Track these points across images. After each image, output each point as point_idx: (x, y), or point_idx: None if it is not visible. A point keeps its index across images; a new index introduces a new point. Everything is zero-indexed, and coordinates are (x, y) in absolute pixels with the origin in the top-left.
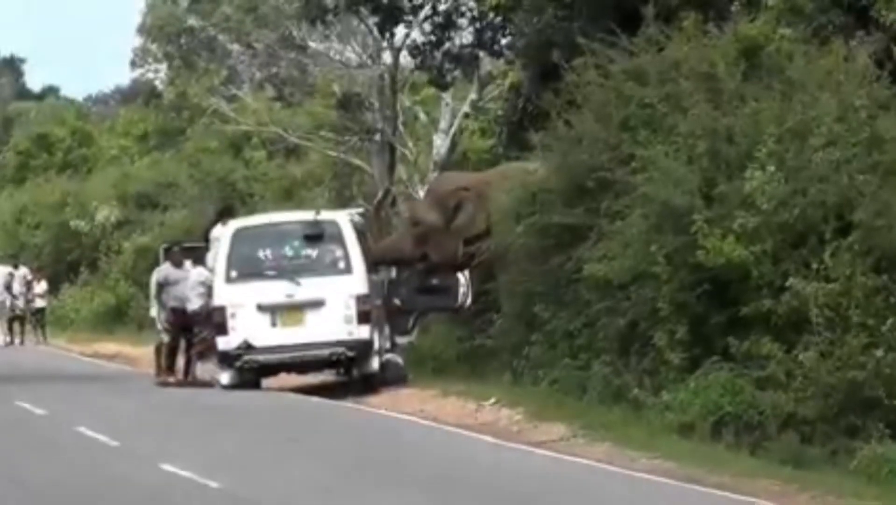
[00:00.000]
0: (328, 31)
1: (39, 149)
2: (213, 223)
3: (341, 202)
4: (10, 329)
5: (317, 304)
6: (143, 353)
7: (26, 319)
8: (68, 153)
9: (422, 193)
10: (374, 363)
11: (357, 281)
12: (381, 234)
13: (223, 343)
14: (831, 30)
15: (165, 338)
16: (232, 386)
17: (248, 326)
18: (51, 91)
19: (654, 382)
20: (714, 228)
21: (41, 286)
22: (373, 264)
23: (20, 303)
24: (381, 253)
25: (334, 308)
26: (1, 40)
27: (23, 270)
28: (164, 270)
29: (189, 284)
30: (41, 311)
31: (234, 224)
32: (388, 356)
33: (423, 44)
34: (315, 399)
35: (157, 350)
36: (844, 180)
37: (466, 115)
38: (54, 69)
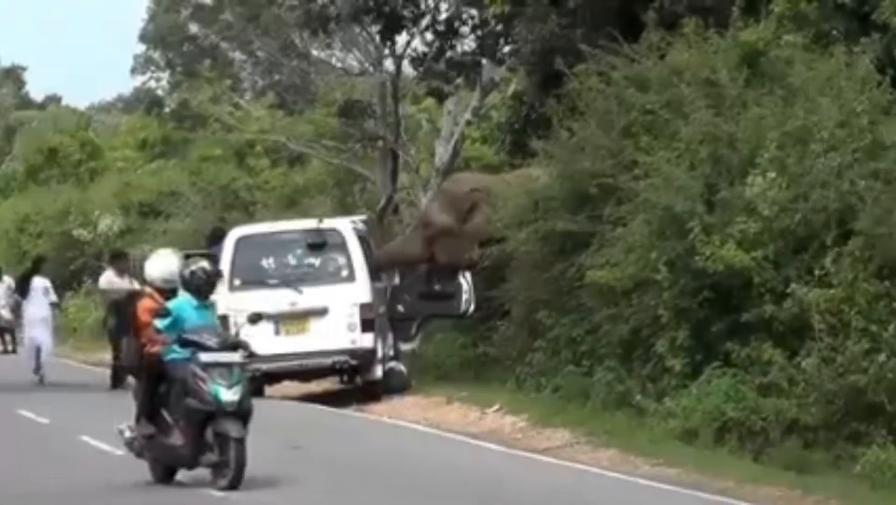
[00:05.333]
0: (330, 40)
1: (49, 161)
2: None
3: (344, 210)
4: (3, 339)
5: (320, 312)
6: None
7: (15, 329)
8: (77, 166)
9: (424, 200)
10: (378, 371)
11: (360, 289)
12: (385, 242)
13: None
14: (835, 35)
15: None
16: None
17: (251, 335)
18: (53, 100)
19: (657, 388)
20: (715, 234)
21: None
22: (378, 269)
23: (6, 313)
24: (389, 256)
25: (337, 316)
26: (2, 50)
27: (7, 281)
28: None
29: None
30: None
31: (237, 232)
32: (392, 364)
33: (425, 52)
34: (318, 407)
35: None
36: (846, 186)
37: (468, 123)
38: (56, 78)
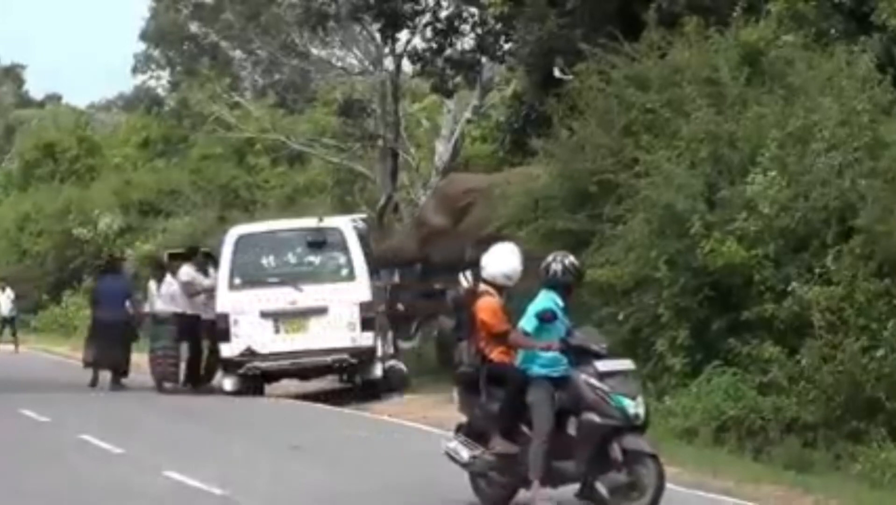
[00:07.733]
0: (330, 38)
1: (45, 157)
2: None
3: (344, 209)
4: None
5: (320, 311)
6: (146, 359)
7: None
8: (74, 162)
9: (424, 199)
10: (378, 370)
11: (360, 288)
12: (385, 241)
13: (227, 350)
14: (833, 35)
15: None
16: (235, 392)
17: (252, 333)
18: (53, 99)
19: (657, 387)
20: (715, 232)
21: (7, 295)
22: (380, 265)
23: None
24: (383, 254)
25: (338, 315)
26: (2, 49)
27: None
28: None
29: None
30: (12, 319)
31: (237, 231)
32: (392, 362)
33: (425, 50)
34: (319, 406)
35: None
36: (846, 184)
37: (468, 122)
38: (56, 77)
